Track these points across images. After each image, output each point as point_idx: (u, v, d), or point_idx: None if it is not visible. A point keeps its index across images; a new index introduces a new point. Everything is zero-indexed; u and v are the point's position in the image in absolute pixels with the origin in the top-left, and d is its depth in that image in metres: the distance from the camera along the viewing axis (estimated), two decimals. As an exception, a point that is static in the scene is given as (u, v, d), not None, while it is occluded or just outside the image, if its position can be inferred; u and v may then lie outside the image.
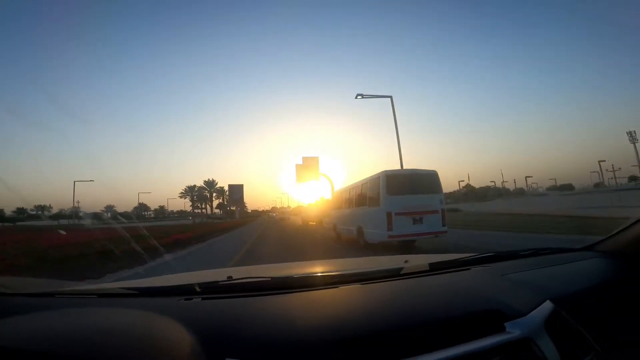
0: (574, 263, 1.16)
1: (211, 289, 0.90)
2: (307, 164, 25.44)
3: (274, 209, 74.84)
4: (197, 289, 0.88)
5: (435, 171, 7.84)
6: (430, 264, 1.10)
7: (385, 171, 7.49)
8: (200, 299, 0.84)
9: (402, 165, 16.01)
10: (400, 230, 7.03)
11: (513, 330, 0.72)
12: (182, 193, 69.34)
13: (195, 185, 70.13)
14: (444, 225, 7.45)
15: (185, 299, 0.83)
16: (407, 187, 7.38)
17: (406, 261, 1.26)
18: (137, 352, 0.57)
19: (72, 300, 0.88)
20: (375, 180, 7.80)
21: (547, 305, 0.81)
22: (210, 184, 70.97)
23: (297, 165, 25.68)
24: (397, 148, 16.86)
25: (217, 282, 0.93)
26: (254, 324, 0.69)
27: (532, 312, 0.78)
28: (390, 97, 17.45)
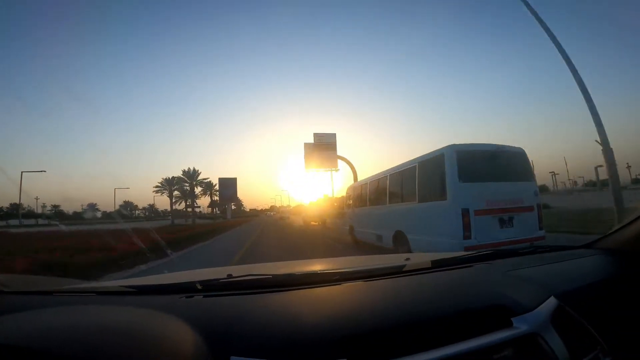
0: (575, 260, 1.18)
1: (212, 287, 0.89)
2: (321, 142, 19.31)
3: (273, 208, 71.76)
4: (199, 286, 0.87)
5: (523, 149, 5.26)
6: (433, 261, 1.11)
7: (453, 145, 4.86)
8: (202, 296, 0.84)
9: (603, 135, 7.24)
10: (484, 237, 4.42)
11: (520, 326, 0.74)
12: (158, 187, 51.00)
13: (174, 177, 51.90)
14: (540, 229, 4.89)
15: (187, 297, 0.83)
16: (487, 170, 4.78)
17: (407, 259, 1.23)
18: (137, 350, 0.56)
19: (71, 299, 0.88)
20: (434, 160, 5.10)
21: (552, 301, 0.83)
22: (191, 174, 52.02)
23: (307, 145, 19.57)
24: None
25: (219, 279, 0.92)
26: (257, 321, 0.69)
27: (538, 308, 0.80)
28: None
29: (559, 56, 8.00)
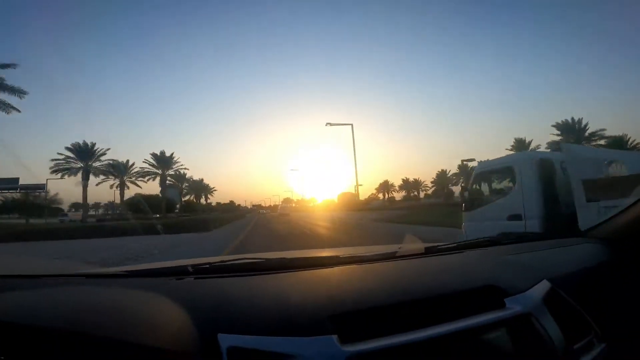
0: (567, 248, 1.20)
1: (204, 270, 0.88)
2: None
3: (287, 200, 60.38)
4: (190, 269, 0.87)
5: None
6: (426, 248, 1.11)
7: None
8: (193, 278, 0.83)
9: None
10: None
11: (513, 306, 0.74)
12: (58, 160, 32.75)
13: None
14: None
15: (177, 279, 0.82)
16: None
17: (400, 247, 1.19)
18: (124, 328, 0.56)
19: (59, 281, 0.85)
20: None
21: (545, 284, 0.83)
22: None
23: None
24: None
25: (210, 262, 0.92)
26: (246, 301, 0.70)
27: (531, 289, 0.80)
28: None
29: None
